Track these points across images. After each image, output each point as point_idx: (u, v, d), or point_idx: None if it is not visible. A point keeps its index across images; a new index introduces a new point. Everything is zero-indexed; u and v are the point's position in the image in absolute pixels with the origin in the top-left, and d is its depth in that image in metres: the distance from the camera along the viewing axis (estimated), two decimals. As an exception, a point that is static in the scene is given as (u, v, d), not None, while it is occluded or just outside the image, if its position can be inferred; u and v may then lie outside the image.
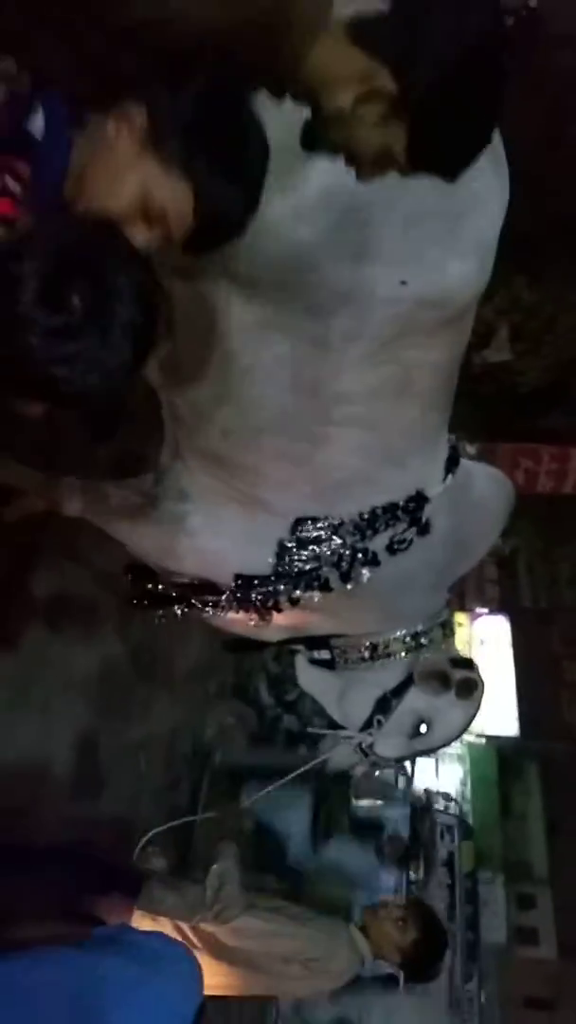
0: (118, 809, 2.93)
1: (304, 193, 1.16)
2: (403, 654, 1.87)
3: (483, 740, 12.56)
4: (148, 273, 1.00)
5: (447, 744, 1.94)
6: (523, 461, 5.57)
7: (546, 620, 10.95)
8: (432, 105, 0.88)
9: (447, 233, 1.25)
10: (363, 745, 1.93)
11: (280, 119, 1.03)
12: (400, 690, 1.88)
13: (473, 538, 1.88)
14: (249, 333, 1.33)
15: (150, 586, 1.85)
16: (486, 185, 1.26)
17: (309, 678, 2.03)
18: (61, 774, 2.63)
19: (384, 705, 1.90)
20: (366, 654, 1.89)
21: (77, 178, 1.02)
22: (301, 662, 2.04)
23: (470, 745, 12.92)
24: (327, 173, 1.15)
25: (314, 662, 1.99)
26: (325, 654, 1.95)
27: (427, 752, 1.95)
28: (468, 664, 1.89)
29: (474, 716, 1.88)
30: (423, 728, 1.86)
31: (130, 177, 0.99)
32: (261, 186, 1.03)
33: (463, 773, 13.67)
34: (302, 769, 2.20)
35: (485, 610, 10.77)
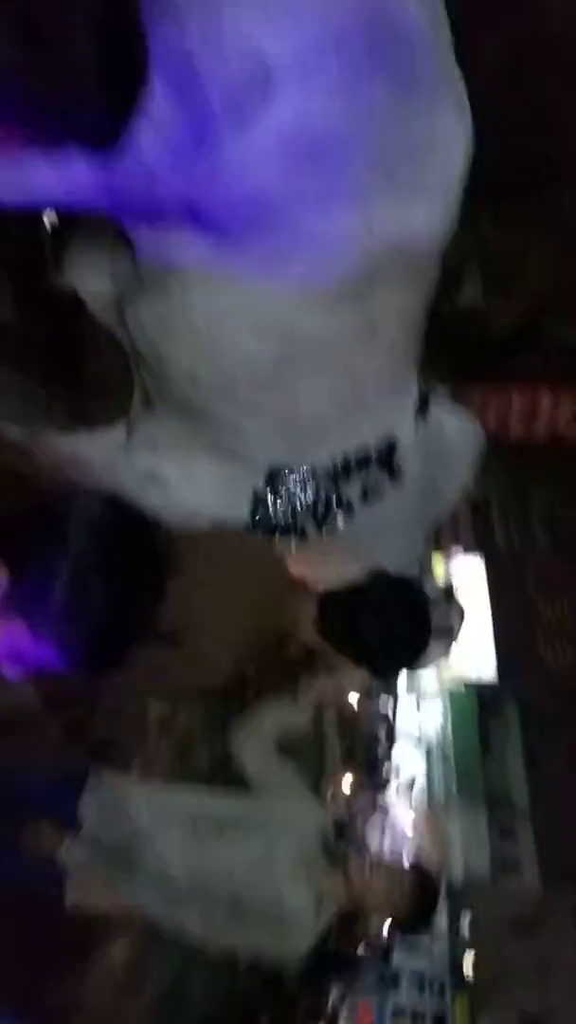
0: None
1: (265, 132, 1.17)
2: None
3: (461, 682, 12.88)
4: None
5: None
6: (494, 404, 5.58)
7: (520, 562, 11.12)
8: None
9: (411, 175, 1.27)
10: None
11: (228, 55, 1.07)
12: None
13: (445, 481, 1.92)
14: (209, 280, 1.33)
15: None
16: (449, 126, 1.27)
17: None
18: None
19: None
20: None
21: None
22: None
23: (450, 688, 13.21)
24: (289, 110, 1.16)
25: None
26: None
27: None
28: (450, 596, 1.95)
29: (450, 647, 1.95)
30: None
31: None
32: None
33: (444, 715, 13.98)
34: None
35: (460, 552, 10.91)
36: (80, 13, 0.79)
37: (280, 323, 1.40)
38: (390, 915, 2.18)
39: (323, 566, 1.88)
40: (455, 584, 2.14)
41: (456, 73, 1.32)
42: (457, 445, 1.90)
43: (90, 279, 1.61)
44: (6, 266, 1.91)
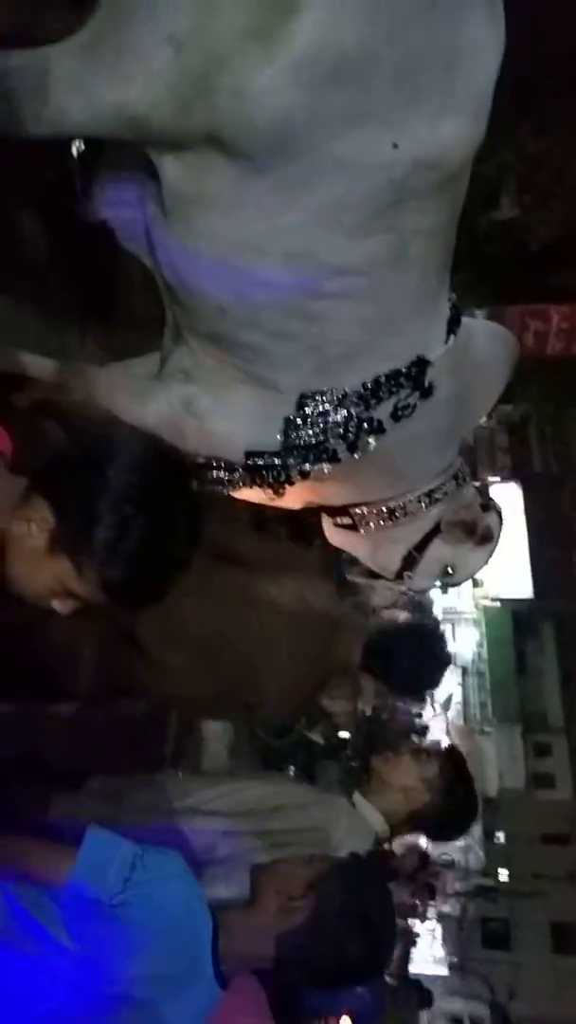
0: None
1: (290, 54, 1.12)
2: (422, 509, 1.95)
3: (498, 603, 12.94)
4: None
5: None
6: (532, 323, 5.47)
7: (558, 484, 11.04)
8: None
9: (439, 88, 1.21)
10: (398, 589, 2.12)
11: None
12: (423, 544, 1.96)
13: (477, 396, 1.91)
14: (238, 205, 1.32)
15: None
16: (479, 32, 1.21)
17: (339, 538, 2.10)
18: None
19: (410, 561, 1.99)
20: (386, 516, 1.97)
21: (6, 563, 1.15)
22: (327, 523, 2.12)
23: (485, 609, 13.29)
24: (313, 29, 1.11)
25: (338, 526, 2.08)
26: (347, 520, 2.03)
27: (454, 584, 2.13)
28: (489, 506, 1.99)
29: (492, 554, 2.01)
30: (449, 571, 2.02)
31: (43, 572, 1.14)
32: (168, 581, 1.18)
33: (480, 635, 14.09)
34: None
35: (497, 478, 10.83)
36: None
37: (306, 250, 1.36)
38: (418, 808, 1.97)
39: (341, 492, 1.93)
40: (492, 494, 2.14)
41: None
42: (489, 358, 1.89)
43: (118, 208, 1.60)
44: (37, 198, 1.90)
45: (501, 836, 17.33)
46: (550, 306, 5.42)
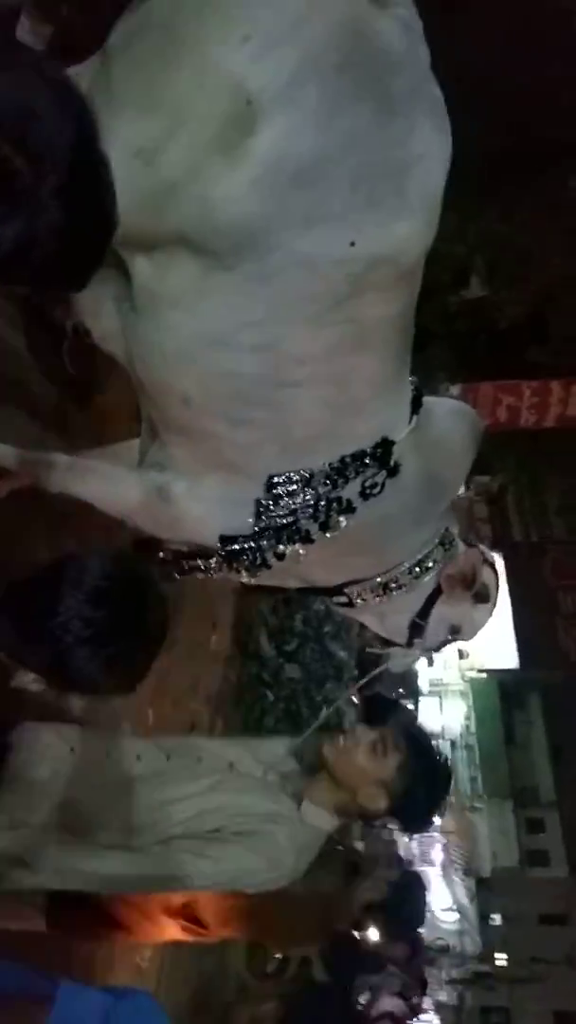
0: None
1: (252, 166, 1.21)
2: (414, 580, 1.95)
3: (484, 674, 12.83)
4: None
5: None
6: (505, 398, 5.59)
7: (539, 553, 11.11)
8: None
9: (392, 192, 1.30)
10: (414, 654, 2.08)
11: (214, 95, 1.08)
12: (426, 611, 1.96)
13: (446, 471, 1.96)
14: (205, 300, 1.37)
15: (159, 555, 1.92)
16: (426, 145, 1.31)
17: (345, 611, 2.09)
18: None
19: (417, 629, 1.99)
20: (379, 592, 1.98)
21: None
22: (328, 603, 2.12)
23: (472, 680, 13.18)
24: (272, 144, 1.20)
25: (337, 605, 2.08)
26: (343, 599, 2.04)
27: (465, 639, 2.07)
28: (484, 560, 2.00)
29: (495, 606, 2.00)
30: (456, 631, 2.00)
31: None
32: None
33: (467, 708, 13.93)
34: (365, 679, 2.27)
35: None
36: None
37: (269, 342, 1.41)
38: (383, 792, 1.80)
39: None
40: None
41: (434, 88, 1.37)
42: (452, 433, 1.94)
43: (91, 311, 1.65)
44: (17, 298, 1.94)
45: (497, 918, 16.77)
46: (521, 382, 5.55)
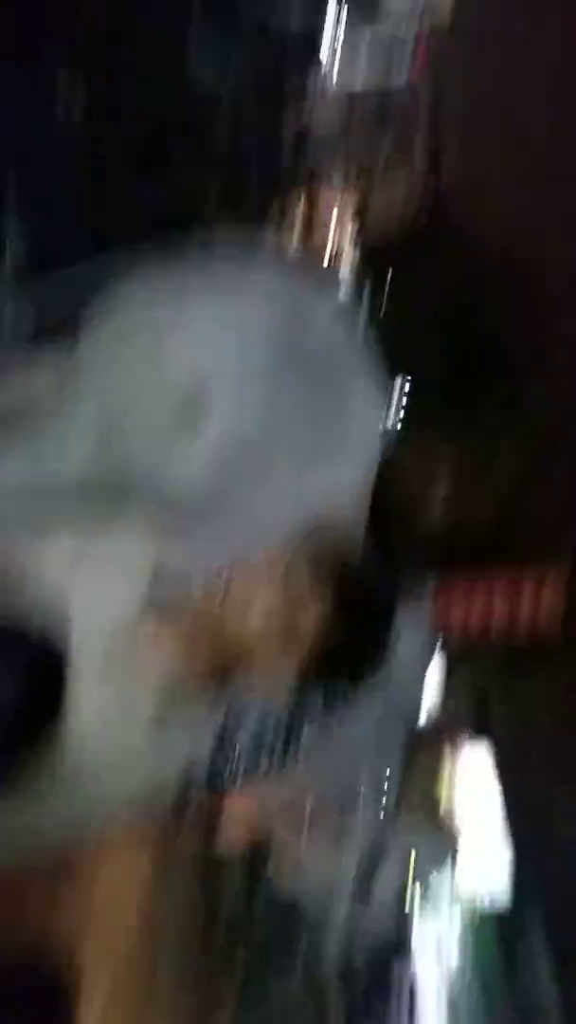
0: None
1: (201, 450, 1.38)
2: None
3: (477, 906, 11.88)
4: None
5: None
6: (474, 604, 5.63)
7: (525, 750, 10.61)
8: None
9: (334, 450, 1.51)
10: None
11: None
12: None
13: (402, 700, 2.00)
14: None
15: None
16: (365, 406, 1.51)
17: None
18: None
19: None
20: None
21: None
22: None
23: (466, 909, 12.26)
24: (220, 423, 1.39)
25: None
26: None
27: None
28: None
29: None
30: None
31: None
32: None
33: (460, 947, 12.79)
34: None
35: (463, 763, 10.41)
36: None
37: None
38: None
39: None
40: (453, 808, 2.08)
41: (371, 362, 1.56)
42: (407, 661, 1.98)
43: None
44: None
45: None
46: (491, 587, 5.64)
